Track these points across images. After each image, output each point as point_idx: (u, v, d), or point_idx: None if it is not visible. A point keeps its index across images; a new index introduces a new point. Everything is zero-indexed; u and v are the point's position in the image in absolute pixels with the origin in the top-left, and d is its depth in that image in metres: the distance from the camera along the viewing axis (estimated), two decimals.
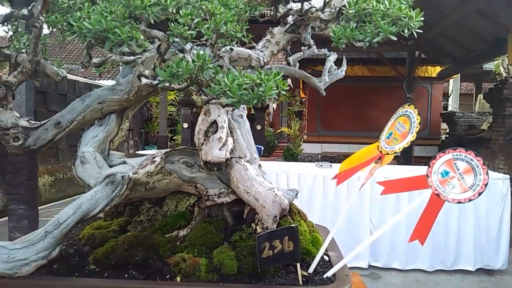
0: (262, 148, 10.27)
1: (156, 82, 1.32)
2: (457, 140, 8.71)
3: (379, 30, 1.24)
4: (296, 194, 1.71)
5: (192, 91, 1.44)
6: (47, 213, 6.75)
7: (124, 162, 1.72)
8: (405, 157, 8.78)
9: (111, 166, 1.69)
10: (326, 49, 2.07)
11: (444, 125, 11.61)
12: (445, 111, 11.77)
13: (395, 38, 1.26)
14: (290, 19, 1.71)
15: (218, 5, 1.30)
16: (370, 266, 4.20)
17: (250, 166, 1.66)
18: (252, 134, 1.82)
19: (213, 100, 1.19)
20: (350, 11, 1.38)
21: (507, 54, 7.34)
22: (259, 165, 1.80)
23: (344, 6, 1.51)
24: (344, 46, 1.35)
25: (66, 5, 1.70)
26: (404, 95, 9.69)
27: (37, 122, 1.84)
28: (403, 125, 1.54)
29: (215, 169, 1.60)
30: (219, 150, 1.57)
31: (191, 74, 1.15)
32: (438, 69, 10.75)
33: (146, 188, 1.66)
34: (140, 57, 1.79)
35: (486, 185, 1.31)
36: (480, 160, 1.35)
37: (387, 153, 1.57)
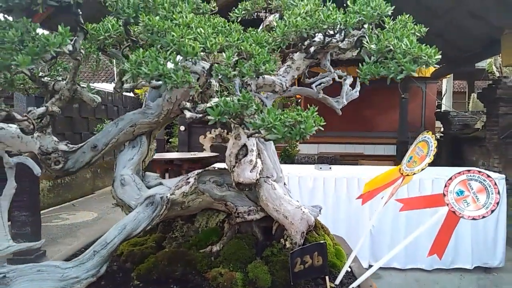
0: None
1: (199, 115, 1.45)
2: (451, 139, 8.93)
3: (402, 68, 1.38)
4: (320, 210, 1.86)
5: (232, 123, 1.57)
6: (47, 218, 6.81)
7: (160, 183, 1.84)
8: (401, 156, 8.97)
9: (148, 187, 1.82)
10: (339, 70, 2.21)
11: (438, 124, 11.87)
12: (439, 110, 12.02)
13: (415, 74, 1.40)
14: (312, 49, 1.85)
15: (255, 46, 1.43)
16: (370, 266, 4.37)
17: (277, 185, 1.80)
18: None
19: (256, 134, 1.32)
20: (372, 46, 1.52)
21: (500, 54, 7.56)
22: (284, 183, 1.94)
23: (364, 37, 1.65)
24: (368, 80, 1.49)
25: (102, 37, 1.81)
26: (399, 95, 9.90)
27: (75, 146, 1.96)
28: (422, 149, 1.69)
29: (246, 189, 1.74)
30: (250, 171, 1.71)
31: (237, 112, 1.29)
32: (432, 69, 10.97)
33: (182, 207, 1.79)
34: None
35: (498, 203, 1.46)
36: (492, 181, 1.50)
37: (407, 175, 1.72)
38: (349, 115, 11.15)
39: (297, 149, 11.38)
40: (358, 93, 2.15)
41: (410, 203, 1.93)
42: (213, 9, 1.81)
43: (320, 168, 5.00)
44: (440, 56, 1.41)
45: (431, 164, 1.70)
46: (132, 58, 1.31)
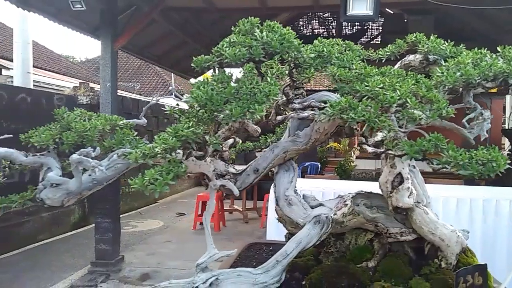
0: (319, 165, 10.49)
1: (381, 150, 1.71)
2: None
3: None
4: (467, 233, 2.06)
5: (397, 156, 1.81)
6: None
7: (321, 204, 2.12)
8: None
9: (311, 207, 2.10)
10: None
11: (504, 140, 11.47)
12: (505, 127, 11.63)
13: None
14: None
15: (430, 91, 1.69)
16: None
17: (429, 210, 2.02)
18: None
19: (444, 169, 1.56)
20: None
21: None
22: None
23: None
24: None
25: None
26: (464, 111, 9.73)
27: (241, 168, 2.29)
28: None
29: (403, 213, 1.97)
30: (408, 197, 1.95)
31: (430, 149, 1.54)
32: None
33: (341, 226, 2.06)
34: (317, 114, 2.22)
35: None
36: None
37: None
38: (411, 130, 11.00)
39: (353, 164, 11.42)
40: (489, 119, 2.33)
41: None
42: (381, 56, 2.09)
43: None
44: None
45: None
46: (334, 105, 1.60)
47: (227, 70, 1.76)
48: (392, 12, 7.59)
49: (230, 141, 2.05)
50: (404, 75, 1.85)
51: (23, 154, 2.05)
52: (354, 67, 1.77)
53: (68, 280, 5.17)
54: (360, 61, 1.91)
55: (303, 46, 1.82)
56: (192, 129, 1.64)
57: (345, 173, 10.62)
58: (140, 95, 15.43)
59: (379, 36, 8.83)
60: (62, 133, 1.95)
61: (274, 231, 5.49)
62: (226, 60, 1.66)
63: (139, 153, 1.73)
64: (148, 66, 17.88)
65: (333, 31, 8.93)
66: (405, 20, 7.85)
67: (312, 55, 1.78)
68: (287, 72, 2.11)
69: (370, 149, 1.73)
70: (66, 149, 1.91)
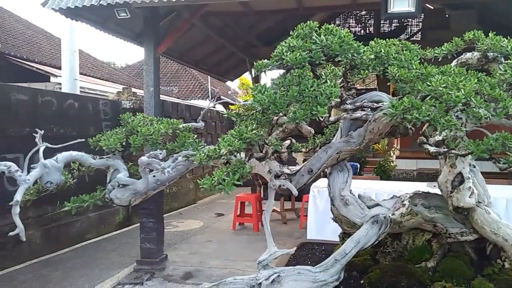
0: (358, 166, 10.35)
1: (444, 150, 1.71)
2: None
3: None
4: None
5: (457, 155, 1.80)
6: None
7: (378, 204, 2.13)
8: None
9: (368, 207, 2.12)
10: None
11: None
12: None
13: None
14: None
15: (494, 90, 1.66)
16: None
17: (490, 210, 1.99)
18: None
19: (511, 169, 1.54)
20: None
21: None
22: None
23: None
24: None
25: None
26: None
27: (295, 169, 2.34)
28: None
29: (465, 213, 1.95)
30: (469, 197, 1.92)
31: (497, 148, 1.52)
32: None
33: (399, 226, 2.06)
34: (369, 115, 2.23)
35: None
36: None
37: None
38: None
39: (393, 164, 11.15)
40: None
41: None
42: (437, 55, 2.08)
43: (434, 186, 4.97)
44: None
45: None
46: (397, 105, 1.61)
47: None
48: (432, 8, 7.38)
49: (287, 142, 2.10)
50: (465, 73, 1.83)
51: (91, 157, 2.19)
52: (414, 67, 1.77)
53: (116, 277, 5.37)
54: (418, 61, 1.90)
55: (362, 48, 1.84)
56: (255, 131, 1.71)
57: (384, 173, 10.37)
58: (178, 98, 15.82)
59: (419, 33, 8.59)
60: (129, 136, 2.08)
61: (315, 232, 5.50)
62: (287, 64, 1.71)
63: (203, 155, 1.81)
64: (185, 70, 18.30)
65: (371, 29, 8.79)
66: (447, 15, 7.61)
67: (372, 56, 1.80)
68: (339, 73, 2.14)
69: (432, 149, 1.73)
70: (133, 152, 2.03)
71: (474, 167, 2.10)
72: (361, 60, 1.83)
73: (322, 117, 1.68)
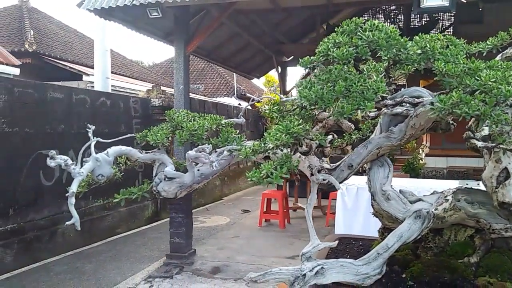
0: None
1: (492, 144, 1.70)
2: None
3: None
4: None
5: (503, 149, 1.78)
6: None
7: (420, 199, 2.14)
8: None
9: (410, 202, 2.12)
10: None
11: None
12: None
13: None
14: None
15: None
16: None
17: None
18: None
19: None
20: None
21: None
22: None
23: None
24: None
25: None
26: None
27: (335, 164, 2.37)
28: None
29: (510, 209, 1.93)
30: None
31: None
32: None
33: (442, 221, 2.06)
34: (410, 110, 2.22)
35: None
36: None
37: None
38: None
39: (422, 162, 10.94)
40: None
41: None
42: (482, 50, 2.06)
43: (467, 184, 4.88)
44: None
45: None
46: (445, 100, 1.62)
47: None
48: (465, 1, 7.20)
49: (330, 137, 2.13)
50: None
51: (138, 151, 2.29)
52: (461, 62, 1.77)
53: (146, 270, 5.53)
54: (464, 56, 1.90)
55: (409, 43, 1.84)
56: (301, 126, 1.75)
57: (413, 171, 10.20)
58: (205, 96, 16.01)
59: (451, 27, 8.41)
60: (174, 131, 2.16)
61: (343, 229, 5.50)
62: (333, 60, 1.74)
63: (248, 149, 1.87)
64: (211, 67, 18.53)
65: (400, 24, 8.66)
66: (480, 9, 7.42)
67: (419, 51, 1.81)
68: (381, 69, 2.15)
69: (479, 144, 1.73)
70: (180, 146, 2.10)
71: None
72: (407, 55, 1.84)
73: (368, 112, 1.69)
